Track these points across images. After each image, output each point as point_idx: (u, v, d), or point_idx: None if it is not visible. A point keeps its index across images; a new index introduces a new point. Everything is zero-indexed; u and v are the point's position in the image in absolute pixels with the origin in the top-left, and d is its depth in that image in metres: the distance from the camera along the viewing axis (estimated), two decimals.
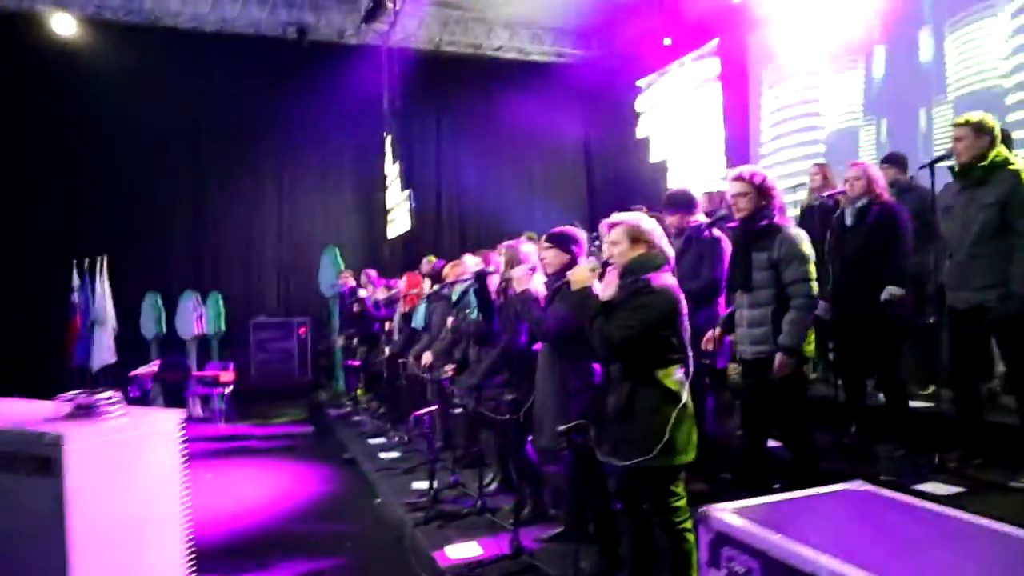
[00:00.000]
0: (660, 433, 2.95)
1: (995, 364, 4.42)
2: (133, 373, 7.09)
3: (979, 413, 3.96)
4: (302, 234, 11.54)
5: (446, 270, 6.18)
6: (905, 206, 4.37)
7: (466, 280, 5.57)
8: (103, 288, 9.56)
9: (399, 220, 11.04)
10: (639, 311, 3.00)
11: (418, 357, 6.22)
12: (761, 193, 3.56)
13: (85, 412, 2.01)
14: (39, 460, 1.84)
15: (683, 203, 4.69)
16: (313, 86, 11.16)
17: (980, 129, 3.58)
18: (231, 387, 8.79)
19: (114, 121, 10.07)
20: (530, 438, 4.22)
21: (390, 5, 10.92)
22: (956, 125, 3.67)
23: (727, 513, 1.78)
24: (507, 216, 11.39)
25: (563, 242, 3.84)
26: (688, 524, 3.11)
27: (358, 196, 12.14)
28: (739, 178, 3.61)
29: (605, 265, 3.23)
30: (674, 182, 11.11)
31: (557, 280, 3.80)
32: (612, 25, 12.11)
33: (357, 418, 8.14)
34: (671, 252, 3.28)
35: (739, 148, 9.80)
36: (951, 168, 3.77)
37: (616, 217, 3.32)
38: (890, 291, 4.04)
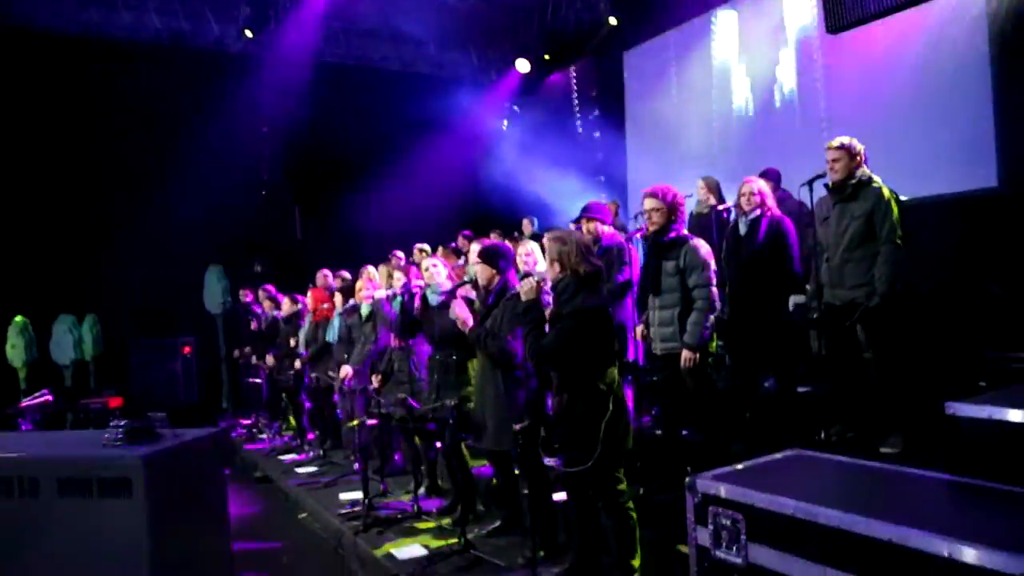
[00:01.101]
0: (600, 432, 3.27)
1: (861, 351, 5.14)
2: (24, 404, 6.57)
3: (852, 394, 4.62)
4: (182, 250, 11.02)
5: (359, 285, 6.28)
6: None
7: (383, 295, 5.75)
8: None
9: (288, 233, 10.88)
10: (566, 332, 3.32)
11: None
12: (672, 209, 4.02)
13: (140, 436, 2.05)
14: (117, 482, 1.87)
15: (597, 213, 5.17)
16: (190, 96, 10.77)
17: (851, 151, 4.23)
18: (118, 414, 8.33)
19: None
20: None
21: (270, 13, 10.79)
22: (831, 148, 4.28)
23: (709, 480, 2.14)
24: (396, 228, 11.46)
25: (491, 257, 4.13)
26: (630, 504, 3.48)
27: (239, 211, 11.76)
28: (652, 194, 4.06)
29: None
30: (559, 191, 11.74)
31: (491, 294, 4.09)
32: (492, 39, 12.57)
33: (263, 436, 7.99)
34: (598, 263, 3.61)
35: (616, 163, 10.53)
36: (826, 184, 4.39)
37: (550, 234, 3.64)
38: (794, 301, 4.64)
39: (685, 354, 3.94)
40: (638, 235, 4.58)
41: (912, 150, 6.42)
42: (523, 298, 3.48)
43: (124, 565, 1.89)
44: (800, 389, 5.07)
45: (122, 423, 2.08)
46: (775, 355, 4.92)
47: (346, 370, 5.98)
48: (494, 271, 4.06)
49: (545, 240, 3.62)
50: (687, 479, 2.19)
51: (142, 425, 2.07)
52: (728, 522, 2.01)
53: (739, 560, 1.99)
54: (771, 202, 4.72)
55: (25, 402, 6.66)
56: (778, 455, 2.44)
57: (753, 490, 1.99)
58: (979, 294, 5.77)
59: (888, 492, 2.02)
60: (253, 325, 8.08)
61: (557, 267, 3.47)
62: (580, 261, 3.42)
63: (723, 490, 2.05)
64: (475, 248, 5.67)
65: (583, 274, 3.41)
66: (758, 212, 4.64)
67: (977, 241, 6.03)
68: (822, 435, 4.45)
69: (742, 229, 4.74)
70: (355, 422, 5.05)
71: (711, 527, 2.08)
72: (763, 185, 4.77)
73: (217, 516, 2.30)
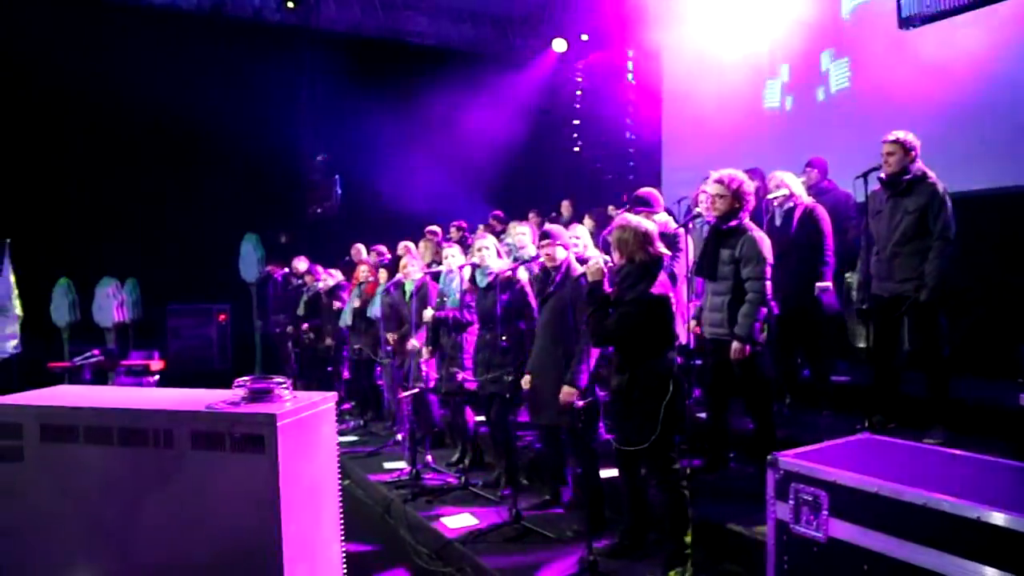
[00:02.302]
0: (656, 414, 3.39)
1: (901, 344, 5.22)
2: (78, 362, 6.79)
3: (894, 385, 4.71)
4: (219, 218, 11.20)
5: (403, 262, 6.41)
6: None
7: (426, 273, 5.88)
8: (7, 273, 8.97)
9: (325, 205, 11.02)
10: (627, 318, 3.44)
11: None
12: (736, 196, 4.08)
13: (263, 395, 2.18)
14: (250, 438, 2.01)
15: (645, 202, 5.23)
16: (229, 64, 10.88)
17: (905, 146, 4.28)
18: (158, 376, 8.55)
19: (15, 94, 9.43)
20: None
21: None
22: (887, 142, 4.33)
23: (791, 458, 2.26)
24: (429, 204, 11.53)
25: (561, 238, 4.26)
26: (683, 482, 3.61)
27: (276, 180, 11.92)
28: (719, 182, 4.12)
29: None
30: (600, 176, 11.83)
31: (555, 272, 4.21)
32: (529, 17, 12.57)
33: None
34: (665, 252, 3.70)
35: (650, 150, 10.54)
36: (880, 178, 4.45)
37: (617, 220, 3.73)
38: (819, 286, 4.74)
39: (735, 345, 3.99)
40: (690, 222, 4.66)
41: (958, 145, 6.44)
42: (589, 279, 3.60)
43: (256, 517, 2.01)
44: (839, 379, 5.18)
45: (246, 382, 2.22)
46: (810, 345, 5.03)
47: (413, 343, 5.86)
48: (567, 252, 4.17)
49: (615, 224, 3.72)
50: (769, 456, 2.31)
51: (265, 386, 2.20)
52: (810, 498, 2.13)
53: (819, 534, 2.11)
54: (799, 191, 4.81)
55: (79, 360, 6.87)
56: (850, 438, 2.56)
57: (836, 468, 2.11)
58: (1017, 290, 5.82)
59: (962, 475, 2.14)
60: (307, 296, 8.20)
61: (617, 254, 3.59)
62: (638, 250, 3.51)
63: (806, 468, 2.17)
64: (521, 229, 5.79)
65: (642, 263, 3.51)
66: (791, 203, 4.72)
67: (1017, 237, 6.06)
68: (866, 424, 4.54)
69: (777, 220, 4.85)
70: (409, 392, 5.19)
71: (791, 502, 2.20)
72: (787, 177, 4.86)
73: (332, 475, 2.44)
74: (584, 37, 11.87)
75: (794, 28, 7.91)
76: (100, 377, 8.15)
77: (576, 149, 12.18)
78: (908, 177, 4.28)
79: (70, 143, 10.07)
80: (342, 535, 2.41)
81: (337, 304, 7.61)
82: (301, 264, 8.74)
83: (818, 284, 4.82)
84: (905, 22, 4.05)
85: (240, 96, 11.21)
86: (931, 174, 4.33)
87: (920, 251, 4.27)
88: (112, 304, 9.20)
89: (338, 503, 2.40)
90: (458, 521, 4.44)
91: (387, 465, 5.68)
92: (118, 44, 10.23)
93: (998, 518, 1.74)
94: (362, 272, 6.85)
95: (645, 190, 5.28)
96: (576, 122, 12.27)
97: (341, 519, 2.41)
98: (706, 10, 9.25)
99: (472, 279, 5.10)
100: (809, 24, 7.74)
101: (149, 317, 10.34)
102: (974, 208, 6.19)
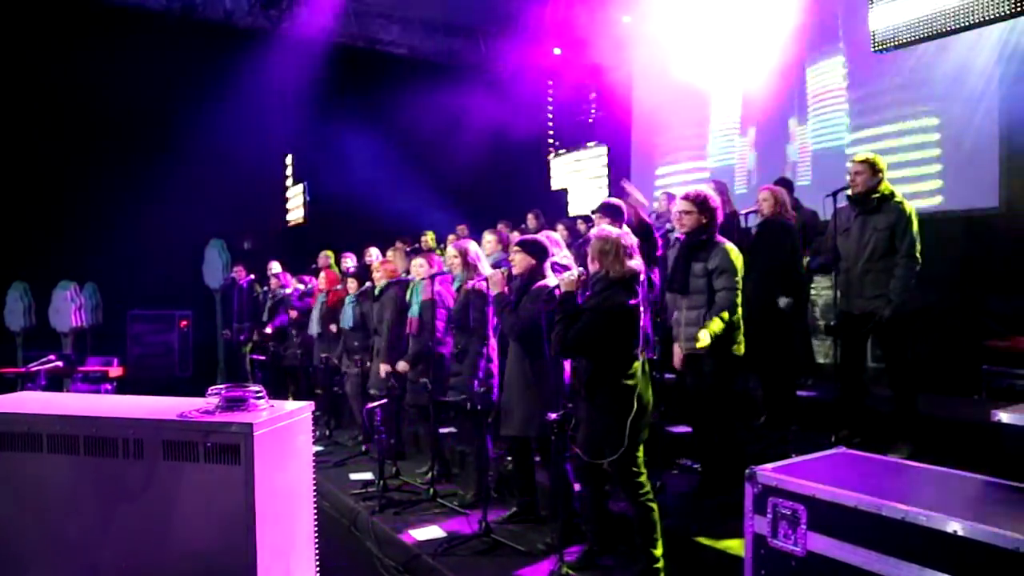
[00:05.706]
0: (623, 428, 3.38)
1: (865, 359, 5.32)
2: (33, 368, 6.54)
3: (861, 400, 4.79)
4: (183, 223, 10.97)
5: (375, 265, 6.36)
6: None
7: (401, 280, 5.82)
8: None
9: (292, 213, 10.89)
10: (586, 326, 3.43)
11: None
12: (703, 212, 4.13)
13: (238, 404, 2.10)
14: (225, 448, 1.94)
15: (612, 212, 5.26)
16: (197, 68, 10.70)
17: (874, 166, 4.38)
18: (115, 383, 8.32)
19: None
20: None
21: None
22: (855, 162, 4.44)
23: (770, 472, 2.27)
24: (398, 214, 11.46)
25: (531, 247, 4.24)
26: (651, 495, 3.60)
27: (243, 186, 11.72)
28: (685, 198, 4.17)
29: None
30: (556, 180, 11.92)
31: (522, 281, 4.20)
32: (504, 31, 12.61)
33: None
34: (633, 267, 3.69)
35: (621, 161, 10.66)
36: (848, 196, 4.54)
37: (595, 230, 3.73)
38: (783, 301, 4.81)
39: (685, 344, 4.05)
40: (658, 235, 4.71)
41: (923, 168, 6.65)
42: (562, 288, 3.58)
43: (230, 530, 1.94)
44: (805, 394, 5.25)
45: (220, 390, 2.14)
46: (776, 360, 5.10)
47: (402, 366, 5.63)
48: (533, 259, 4.16)
49: (593, 235, 3.72)
50: (747, 471, 2.32)
51: (240, 395, 2.13)
52: (788, 512, 2.14)
53: (797, 548, 2.12)
54: (783, 208, 4.89)
55: (34, 366, 6.64)
56: (825, 453, 2.58)
57: (814, 483, 2.12)
58: (978, 309, 5.98)
59: (937, 489, 2.17)
60: (269, 303, 8.04)
61: (596, 264, 3.58)
62: (614, 263, 3.49)
63: (785, 482, 2.18)
64: (488, 237, 5.78)
65: (617, 276, 3.50)
66: (761, 218, 4.81)
67: (977, 258, 6.25)
68: (832, 439, 4.61)
69: (750, 234, 4.93)
70: (378, 403, 5.13)
71: (769, 516, 2.20)
72: (781, 193, 4.93)
73: (308, 487, 2.37)
74: (557, 51, 11.97)
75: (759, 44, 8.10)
76: (56, 384, 7.89)
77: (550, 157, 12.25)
78: (877, 195, 4.37)
79: (30, 142, 9.79)
80: (316, 549, 2.35)
81: (293, 313, 7.49)
82: (275, 266, 8.60)
83: (781, 298, 4.91)
84: (878, 46, 4.16)
85: (208, 100, 11.03)
86: (898, 193, 4.44)
87: (890, 268, 4.36)
88: (70, 308, 8.93)
89: (313, 516, 2.33)
90: (426, 534, 4.38)
91: (353, 476, 5.59)
92: (83, 43, 9.99)
93: (974, 532, 1.77)
94: (322, 281, 6.76)
95: (612, 200, 5.31)
96: (550, 133, 12.34)
97: (316, 532, 2.35)
98: (676, 26, 9.40)
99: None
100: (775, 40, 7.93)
101: (109, 322, 10.07)
102: (939, 228, 6.40)
